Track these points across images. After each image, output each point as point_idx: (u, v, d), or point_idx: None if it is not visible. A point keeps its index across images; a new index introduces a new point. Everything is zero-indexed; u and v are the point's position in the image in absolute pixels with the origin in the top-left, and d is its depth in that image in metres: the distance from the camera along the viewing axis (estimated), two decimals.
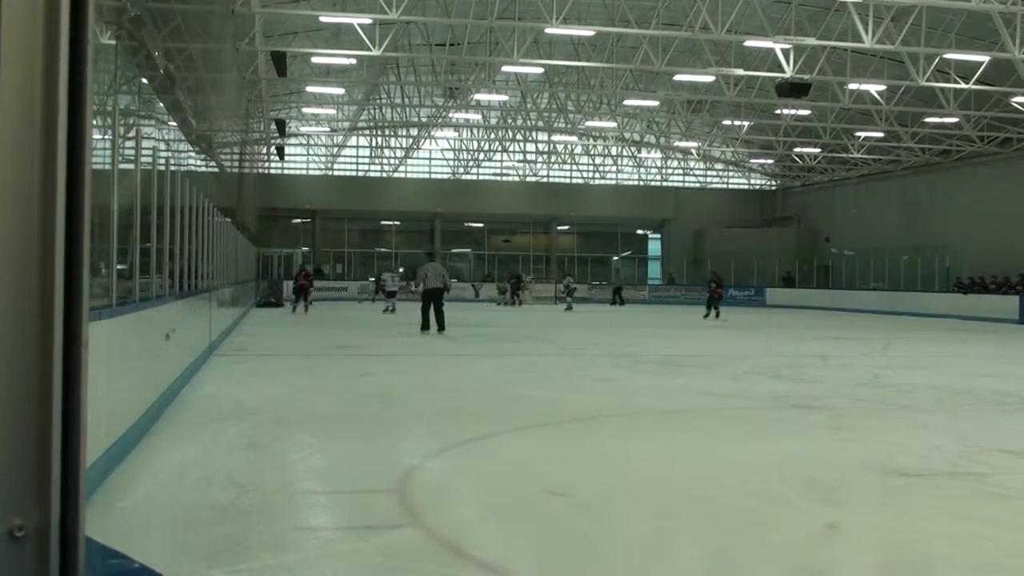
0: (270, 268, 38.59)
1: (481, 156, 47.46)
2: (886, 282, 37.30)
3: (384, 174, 46.84)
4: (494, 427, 7.19)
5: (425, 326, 18.30)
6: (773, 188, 50.98)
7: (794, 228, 48.07)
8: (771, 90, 28.97)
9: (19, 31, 1.08)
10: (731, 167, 50.59)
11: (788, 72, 24.87)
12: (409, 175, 47.37)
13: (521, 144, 47.38)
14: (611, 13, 26.97)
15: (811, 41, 23.73)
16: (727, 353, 15.82)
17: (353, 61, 30.88)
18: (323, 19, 25.55)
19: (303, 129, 45.22)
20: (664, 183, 49.61)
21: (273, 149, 43.60)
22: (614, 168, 48.78)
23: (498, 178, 48.08)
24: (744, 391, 9.96)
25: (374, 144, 46.66)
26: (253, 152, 36.69)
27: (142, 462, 5.66)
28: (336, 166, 47.13)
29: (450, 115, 42.60)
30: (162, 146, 12.59)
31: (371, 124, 45.53)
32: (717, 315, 27.64)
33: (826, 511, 4.76)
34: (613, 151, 48.50)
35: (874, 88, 30.44)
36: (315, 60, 31.13)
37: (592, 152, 48.52)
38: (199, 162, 18.32)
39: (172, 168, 9.84)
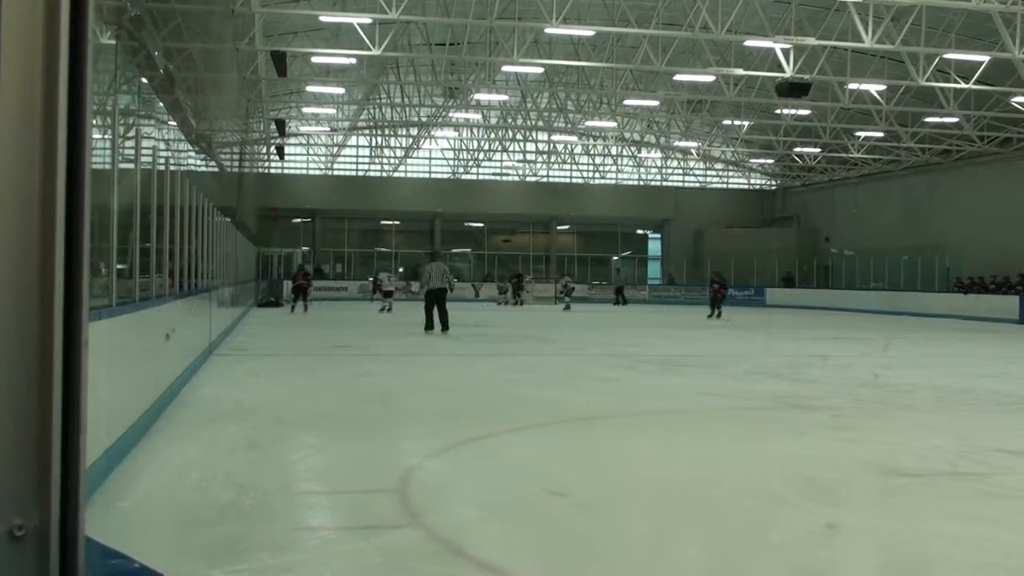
0: (270, 268, 38.61)
1: (481, 156, 47.46)
2: (886, 282, 37.30)
3: (384, 174, 46.84)
4: (494, 427, 7.19)
5: (429, 326, 18.29)
6: (773, 188, 50.99)
7: (794, 228, 48.07)
8: (771, 90, 28.97)
9: (19, 31, 1.08)
10: (731, 167, 50.60)
11: (788, 72, 24.87)
12: (409, 175, 47.38)
13: (521, 144, 47.38)
14: (611, 13, 26.97)
15: (811, 41, 23.73)
16: (727, 353, 15.82)
17: (353, 61, 30.89)
18: (323, 19, 25.55)
19: (303, 129, 45.22)
20: (664, 183, 49.62)
21: (273, 149, 43.60)
22: (614, 168, 48.79)
23: (498, 178, 48.09)
24: (744, 391, 9.96)
25: (374, 144, 46.66)
26: (253, 152, 36.68)
27: (142, 462, 5.66)
28: (336, 166, 47.14)
29: (450, 115, 42.61)
30: (162, 146, 12.59)
31: (371, 124, 45.53)
32: (719, 315, 27.65)
33: (826, 511, 4.76)
34: (613, 151, 48.51)
35: (874, 88, 30.44)
36: (315, 60, 31.14)
37: (592, 152, 48.52)
38: (199, 162, 18.32)
39: (172, 168, 9.84)
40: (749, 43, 26.14)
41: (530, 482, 5.38)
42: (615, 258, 48.48)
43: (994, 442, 6.86)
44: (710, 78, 29.47)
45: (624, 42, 29.28)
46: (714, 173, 50.68)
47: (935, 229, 36.83)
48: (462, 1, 26.37)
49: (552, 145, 47.37)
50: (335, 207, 45.13)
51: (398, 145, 46.82)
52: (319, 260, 45.32)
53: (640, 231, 50.38)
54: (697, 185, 50.36)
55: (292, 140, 45.24)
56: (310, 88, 35.21)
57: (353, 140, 46.91)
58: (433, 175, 47.88)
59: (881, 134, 36.16)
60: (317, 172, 46.84)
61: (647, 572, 3.80)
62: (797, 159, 44.64)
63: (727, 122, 40.09)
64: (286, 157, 45.52)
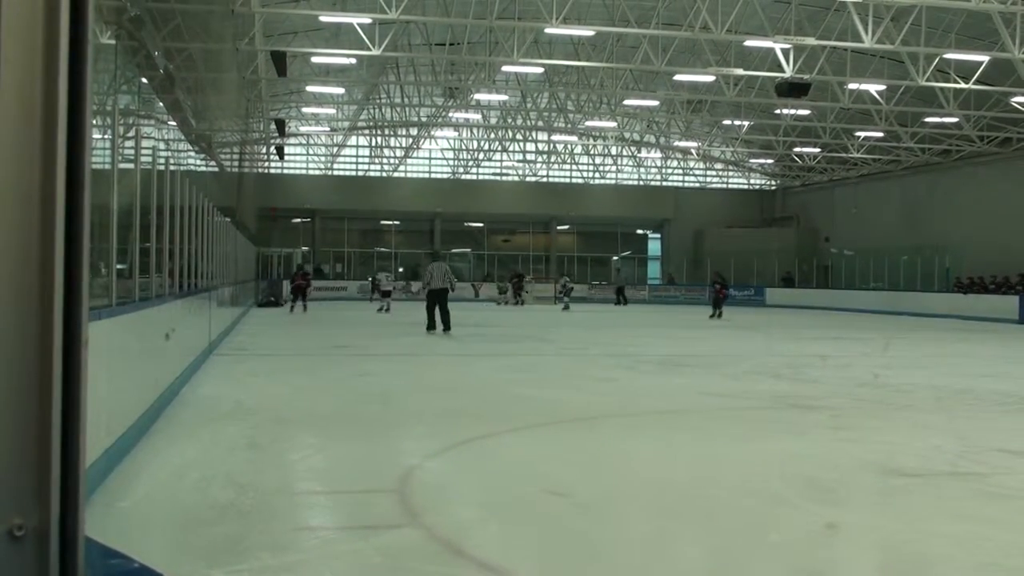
0: (270, 268, 38.61)
1: (481, 156, 47.47)
2: (886, 282, 37.30)
3: (384, 174, 46.85)
4: (494, 427, 7.19)
5: (431, 326, 18.26)
6: (773, 188, 50.99)
7: (794, 228, 48.08)
8: (771, 90, 28.97)
9: (19, 31, 1.08)
10: (731, 167, 50.61)
11: (788, 72, 24.87)
12: (409, 175, 47.38)
13: (521, 144, 47.38)
14: (611, 13, 26.97)
15: (811, 41, 23.74)
16: (727, 353, 15.82)
17: (353, 61, 30.89)
18: (323, 19, 25.55)
19: (303, 129, 45.22)
20: (664, 183, 49.63)
21: (273, 149, 43.60)
22: (614, 168, 48.79)
23: (498, 178, 48.09)
24: (744, 391, 9.96)
25: (374, 144, 46.67)
26: (253, 152, 36.68)
27: (142, 462, 5.66)
28: (336, 166, 47.14)
29: (450, 115, 42.62)
30: (162, 146, 12.59)
31: (371, 124, 45.53)
32: (719, 315, 27.69)
33: (826, 511, 4.76)
34: (613, 151, 48.52)
35: (874, 88, 30.44)
36: (315, 60, 31.14)
37: (592, 152, 48.52)
38: (199, 162, 18.32)
39: (172, 168, 9.84)
40: (749, 43, 26.15)
41: (530, 482, 5.38)
42: (615, 258, 48.49)
43: (994, 442, 6.86)
44: (710, 78, 29.47)
45: (624, 42, 29.28)
46: (714, 173, 50.69)
47: (935, 229, 36.84)
48: (462, 1, 26.37)
49: (552, 145, 47.37)
50: (335, 207, 45.13)
51: (398, 145, 46.82)
52: (319, 260, 45.33)
53: (640, 231, 50.39)
54: (697, 185, 50.37)
55: (292, 140, 45.24)
56: (310, 88, 35.22)
57: (353, 140, 46.92)
58: (433, 175, 47.89)
59: (881, 134, 36.16)
60: (317, 172, 46.85)
61: (647, 572, 3.80)
62: (797, 159, 44.65)
63: (727, 122, 40.10)
64: (286, 157, 45.52)
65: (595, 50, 30.64)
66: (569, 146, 47.64)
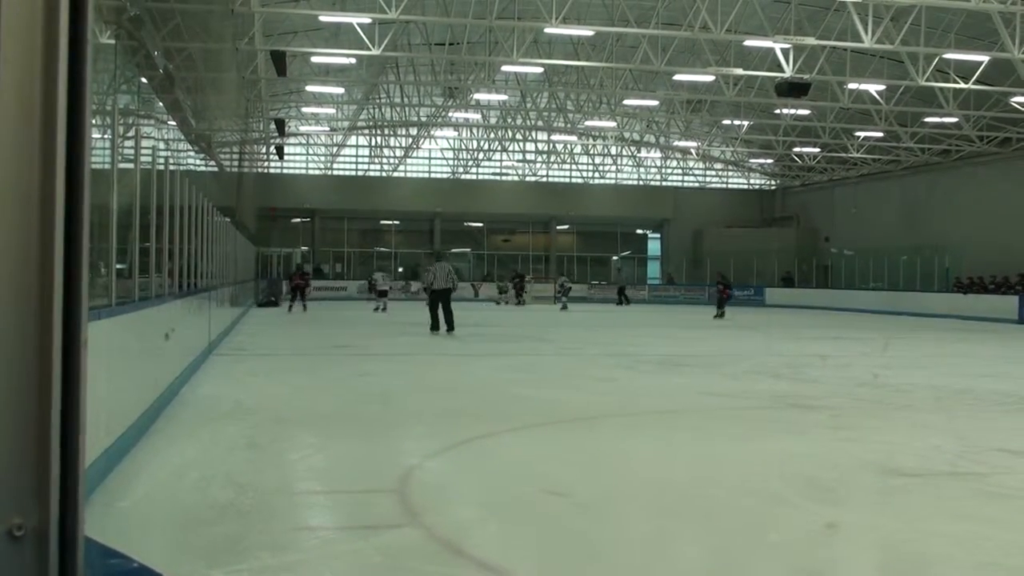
0: (269, 268, 38.61)
1: (480, 156, 47.46)
2: (885, 282, 37.31)
3: (383, 174, 46.84)
4: (494, 427, 7.19)
5: (435, 327, 18.19)
6: (772, 188, 51.00)
7: (793, 228, 48.09)
8: (770, 90, 28.97)
9: (18, 31, 1.08)
10: (730, 167, 50.61)
11: (787, 72, 24.87)
12: (408, 175, 47.37)
13: (520, 144, 47.38)
14: (611, 13, 26.96)
15: (810, 41, 23.73)
16: (727, 353, 15.82)
17: (352, 60, 30.88)
18: (322, 18, 25.54)
19: (302, 128, 45.21)
20: (663, 183, 49.63)
21: (272, 148, 43.59)
22: (613, 168, 48.79)
23: (497, 178, 48.09)
24: (744, 391, 9.96)
25: (373, 144, 46.66)
26: (252, 151, 36.68)
27: (141, 462, 5.66)
28: (335, 166, 47.13)
29: (449, 115, 42.61)
30: (161, 145, 12.60)
31: (370, 124, 45.53)
32: (722, 315, 27.77)
33: (826, 511, 4.76)
34: (612, 151, 48.51)
35: (873, 88, 30.44)
36: (314, 59, 31.13)
37: (591, 152, 48.52)
38: (198, 161, 18.32)
39: (171, 168, 9.84)
40: (749, 43, 26.15)
41: (529, 482, 5.38)
42: (615, 258, 48.49)
43: (993, 442, 6.86)
44: (709, 78, 29.47)
45: (624, 42, 29.28)
46: (713, 173, 50.69)
47: (935, 229, 36.84)
48: (462, 1, 26.37)
49: (552, 145, 47.37)
50: (334, 207, 45.12)
51: (398, 145, 46.81)
52: (318, 260, 45.32)
53: (639, 231, 50.38)
54: (696, 185, 50.37)
55: (291, 140, 45.22)
56: (310, 88, 35.20)
57: (353, 140, 46.91)
58: (433, 175, 47.88)
59: (881, 134, 36.16)
60: (317, 172, 46.84)
61: (646, 572, 3.80)
62: (797, 159, 44.65)
63: (726, 122, 40.09)
64: (285, 157, 45.50)
65: (595, 50, 30.64)
66: (569, 146, 47.63)
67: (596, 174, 48.82)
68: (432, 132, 46.08)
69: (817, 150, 41.23)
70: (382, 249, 46.24)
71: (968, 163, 36.77)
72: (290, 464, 5.97)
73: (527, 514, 4.68)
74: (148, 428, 6.64)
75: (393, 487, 5.02)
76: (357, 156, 47.18)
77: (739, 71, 27.38)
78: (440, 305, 18.14)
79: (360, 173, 46.95)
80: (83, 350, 1.13)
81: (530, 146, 47.69)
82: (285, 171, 46.17)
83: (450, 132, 46.18)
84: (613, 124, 42.28)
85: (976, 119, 32.19)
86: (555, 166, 48.33)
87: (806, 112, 35.28)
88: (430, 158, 47.62)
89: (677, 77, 30.95)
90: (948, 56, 25.36)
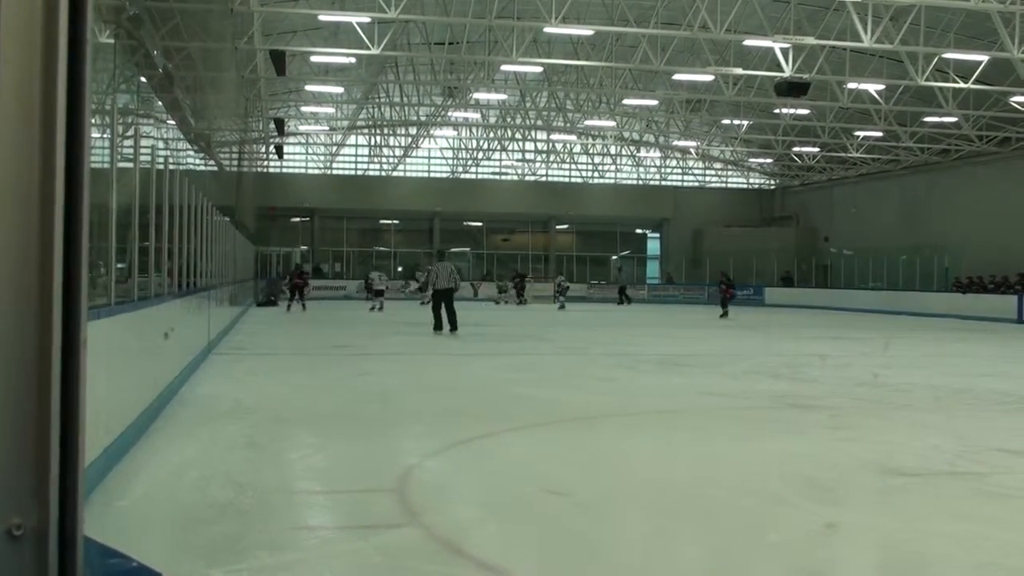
0: (268, 267, 38.61)
1: (480, 155, 47.47)
2: (885, 282, 37.31)
3: (383, 173, 46.84)
4: (493, 427, 7.19)
5: (438, 327, 18.10)
6: (772, 187, 51.00)
7: (793, 227, 48.09)
8: (770, 89, 28.96)
9: (18, 30, 1.08)
10: (730, 166, 50.61)
11: (787, 71, 24.87)
12: (408, 174, 47.37)
13: (520, 143, 47.37)
14: (610, 12, 26.96)
15: (810, 40, 23.73)
16: (726, 352, 15.82)
17: (352, 60, 30.87)
18: (322, 18, 25.53)
19: (302, 128, 45.20)
20: (663, 182, 49.63)
21: (272, 148, 43.58)
22: (613, 167, 48.80)
23: (497, 177, 48.09)
24: (743, 391, 9.96)
25: (373, 143, 46.65)
26: (252, 151, 36.67)
27: (141, 461, 5.65)
28: (335, 165, 47.13)
29: (449, 114, 42.60)
30: (161, 145, 12.59)
31: (370, 123, 45.52)
32: (725, 315, 27.82)
33: (825, 510, 4.76)
34: (612, 150, 48.51)
35: (873, 87, 30.44)
36: (314, 59, 31.12)
37: (591, 151, 48.52)
38: (198, 161, 18.31)
39: (171, 167, 9.84)
40: (748, 42, 26.14)
41: (529, 481, 5.38)
42: (614, 257, 48.49)
43: (993, 441, 6.86)
44: (709, 77, 29.47)
45: (623, 41, 29.29)
46: (713, 172, 50.69)
47: (934, 229, 36.85)
48: (461, 0, 26.36)
49: (551, 144, 47.37)
50: (334, 206, 45.12)
51: (397, 144, 46.81)
52: (318, 259, 45.31)
53: (639, 230, 50.39)
54: (696, 184, 50.37)
55: (291, 139, 45.21)
56: (309, 87, 35.19)
57: (352, 139, 46.90)
58: (432, 174, 47.88)
59: (880, 134, 36.16)
60: (316, 171, 46.83)
61: (646, 572, 3.80)
62: (796, 158, 44.66)
63: (726, 121, 40.09)
64: (285, 156, 45.49)
65: (594, 49, 30.64)
66: (568, 145, 47.63)
67: (595, 174, 48.82)
68: (432, 131, 46.08)
69: (816, 150, 41.23)
70: (381, 249, 46.24)
71: (967, 163, 36.77)
72: (289, 463, 5.97)
73: (527, 514, 4.68)
74: (147, 427, 6.64)
75: (392, 487, 5.02)
76: (356, 155, 47.17)
77: (738, 71, 27.38)
78: (443, 305, 18.08)
79: (360, 172, 46.95)
80: (83, 350, 1.13)
81: (529, 145, 47.68)
82: (284, 170, 46.16)
83: (449, 132, 46.18)
84: (612, 124, 42.28)
85: (975, 119, 32.20)
86: (554, 166, 48.33)
87: (805, 112, 35.28)
88: (429, 158, 47.61)
89: (676, 77, 30.94)
90: (947, 56, 25.37)
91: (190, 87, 17.13)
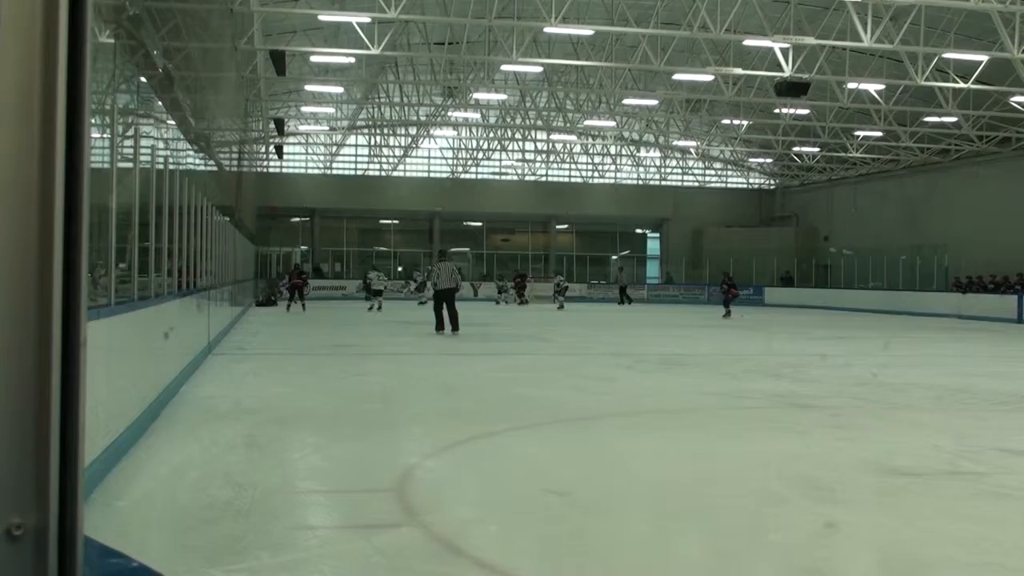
0: (268, 267, 38.63)
1: (480, 155, 47.46)
2: (885, 281, 37.32)
3: (383, 173, 46.84)
4: (493, 426, 7.19)
5: (439, 327, 18.07)
6: (772, 187, 51.00)
7: (793, 227, 48.09)
8: (770, 89, 28.97)
9: (17, 30, 1.08)
10: (730, 166, 50.61)
11: (787, 71, 24.87)
12: (408, 174, 47.37)
13: (520, 143, 47.37)
14: (610, 12, 26.97)
15: (810, 40, 23.73)
16: (727, 352, 15.82)
17: (352, 60, 30.85)
18: (322, 18, 25.53)
19: (302, 128, 45.20)
20: (663, 182, 49.63)
21: (272, 148, 43.58)
22: (613, 167, 48.79)
23: (497, 177, 48.09)
24: (744, 390, 9.96)
25: (373, 143, 46.65)
26: (252, 151, 36.65)
27: (141, 461, 5.65)
28: (335, 165, 47.12)
29: (449, 114, 42.59)
30: (161, 145, 12.57)
31: (370, 123, 45.52)
32: (727, 315, 27.87)
33: (825, 510, 4.76)
34: (612, 150, 48.51)
35: (873, 87, 30.44)
36: (314, 59, 31.12)
37: (591, 151, 48.51)
38: (198, 161, 18.30)
39: (171, 167, 9.83)
40: (748, 42, 26.14)
41: (529, 481, 5.38)
42: (614, 257, 48.49)
43: (992, 441, 6.86)
44: (709, 77, 29.46)
45: (623, 41, 29.28)
46: (713, 172, 50.69)
47: (934, 228, 36.85)
48: (461, 0, 26.36)
49: (551, 144, 47.36)
50: (334, 206, 45.11)
51: (397, 144, 46.81)
52: (318, 259, 45.32)
53: (639, 230, 50.38)
54: (696, 184, 50.36)
55: (291, 139, 45.21)
56: (309, 87, 35.19)
57: (352, 139, 46.90)
58: (432, 174, 47.88)
59: (880, 134, 36.16)
60: (316, 171, 46.83)
61: (646, 572, 3.80)
62: (796, 158, 44.65)
63: (726, 121, 40.09)
64: (285, 156, 45.49)
65: (594, 49, 30.64)
66: (568, 145, 47.63)
67: (595, 174, 48.82)
68: (431, 131, 46.07)
69: (816, 150, 41.23)
70: (381, 249, 46.24)
71: (968, 163, 36.77)
72: (289, 463, 5.97)
73: (527, 514, 4.67)
74: (147, 428, 6.64)
75: (392, 486, 5.02)
76: (356, 155, 47.17)
77: (738, 71, 27.37)
78: (445, 305, 18.05)
79: (359, 172, 46.94)
80: (82, 349, 1.13)
81: (529, 145, 47.68)
82: (284, 170, 46.15)
83: (449, 131, 46.17)
84: (612, 124, 42.28)
85: (975, 119, 32.19)
86: (554, 166, 48.32)
87: (805, 112, 35.28)
88: (429, 157, 47.61)
89: (676, 77, 30.94)
90: (947, 56, 25.36)
91: (190, 87, 17.13)
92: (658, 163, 49.72)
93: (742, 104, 35.47)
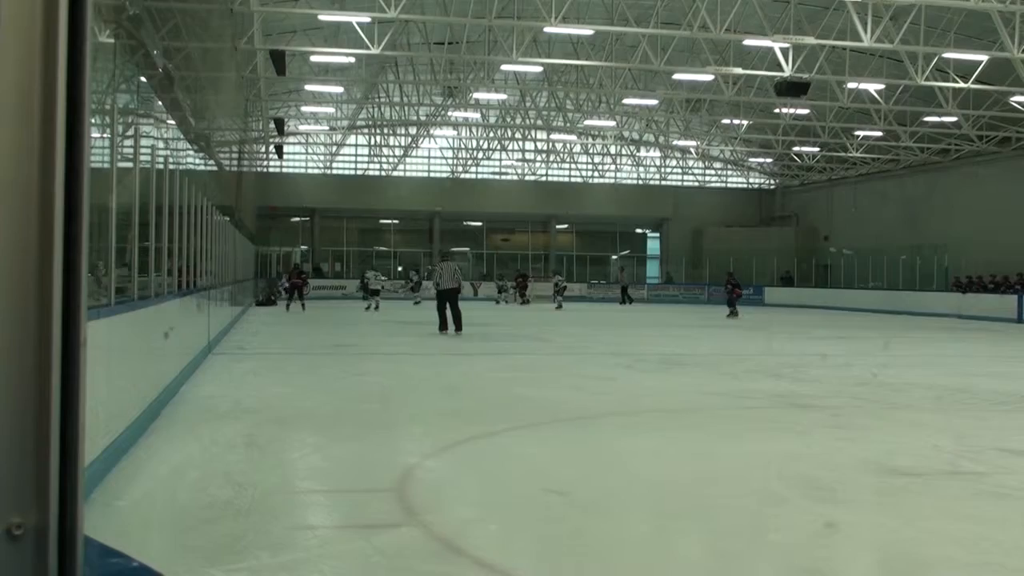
0: (268, 267, 38.64)
1: (480, 155, 47.46)
2: (885, 281, 37.32)
3: (383, 173, 46.84)
4: (493, 426, 7.19)
5: (443, 327, 18.05)
6: (772, 187, 51.00)
7: (793, 227, 48.10)
8: (770, 89, 28.97)
9: (17, 30, 1.08)
10: (730, 166, 50.60)
11: (787, 71, 24.87)
12: (408, 174, 47.37)
13: (520, 143, 47.37)
14: (610, 12, 26.97)
15: (810, 40, 23.72)
16: (727, 352, 15.82)
17: (352, 60, 30.85)
18: (322, 18, 25.53)
19: (302, 128, 45.20)
20: (663, 182, 49.63)
21: (272, 148, 43.58)
22: (613, 167, 48.79)
23: (497, 177, 48.09)
24: (744, 390, 9.96)
25: (373, 143, 46.65)
26: (252, 151, 36.65)
27: (141, 461, 5.66)
28: (335, 165, 47.12)
29: (449, 114, 42.59)
30: (161, 145, 12.57)
31: (370, 123, 45.52)
32: (730, 314, 27.89)
33: (825, 510, 4.76)
34: (612, 150, 48.50)
35: (873, 87, 30.44)
36: (314, 59, 31.12)
37: (591, 151, 48.51)
38: (198, 161, 18.30)
39: (171, 167, 9.83)
40: (748, 42, 26.14)
41: (529, 481, 5.38)
42: (615, 257, 48.48)
43: (993, 441, 6.86)
44: (709, 77, 29.46)
45: (623, 41, 29.28)
46: (713, 172, 50.69)
47: (934, 228, 36.85)
48: (461, 0, 26.36)
49: (551, 144, 47.36)
50: (334, 206, 45.12)
51: (397, 144, 46.81)
52: (318, 259, 45.32)
53: (639, 230, 50.38)
54: (696, 184, 50.36)
55: (291, 139, 45.21)
56: (309, 87, 35.19)
57: (352, 139, 46.90)
58: (432, 174, 47.88)
59: (880, 133, 36.16)
60: (316, 171, 46.83)
61: (646, 571, 3.80)
62: (796, 158, 44.65)
63: (726, 121, 40.08)
64: (285, 156, 45.49)
65: (594, 49, 30.63)
66: (568, 145, 47.62)
67: (595, 173, 48.81)
68: (431, 131, 46.06)
69: (816, 149, 41.23)
70: (381, 248, 46.24)
71: (968, 162, 36.76)
72: (289, 463, 5.96)
73: (527, 513, 4.68)
74: (147, 427, 6.64)
75: (392, 486, 5.02)
76: (356, 155, 47.17)
77: (738, 70, 27.37)
78: (448, 305, 18.04)
79: (359, 172, 46.94)
80: (82, 349, 1.13)
81: (529, 145, 47.68)
82: (284, 170, 46.15)
83: (449, 131, 46.17)
84: (612, 123, 42.27)
85: (975, 118, 32.19)
86: (554, 165, 48.32)
87: (805, 111, 35.28)
88: (429, 157, 47.62)
89: (676, 76, 30.94)
90: (947, 55, 25.36)
91: (190, 87, 17.13)
92: (658, 163, 49.72)
93: (742, 104, 35.47)
